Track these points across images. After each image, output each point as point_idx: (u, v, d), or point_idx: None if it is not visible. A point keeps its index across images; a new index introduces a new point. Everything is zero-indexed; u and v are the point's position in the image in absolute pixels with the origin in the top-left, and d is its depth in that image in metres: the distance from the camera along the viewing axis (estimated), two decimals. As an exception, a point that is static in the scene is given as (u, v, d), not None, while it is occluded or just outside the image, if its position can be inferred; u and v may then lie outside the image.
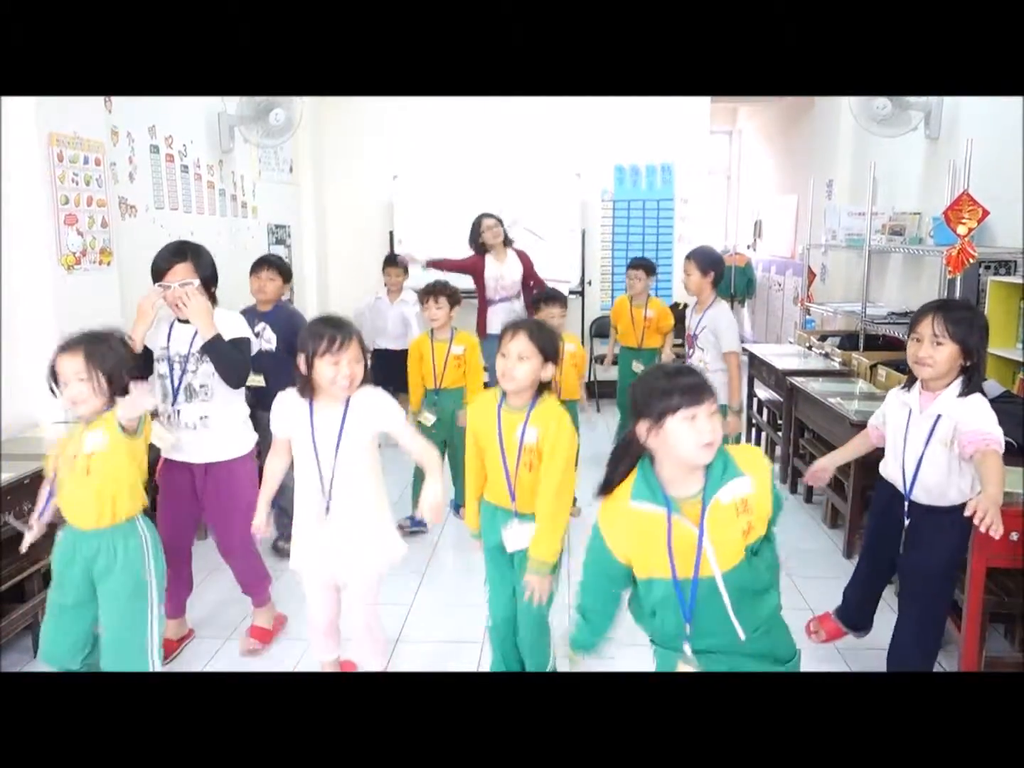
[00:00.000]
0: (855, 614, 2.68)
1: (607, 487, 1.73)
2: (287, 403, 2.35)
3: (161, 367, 2.68)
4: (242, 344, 2.70)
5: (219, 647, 2.90)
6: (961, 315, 2.24)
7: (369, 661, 2.58)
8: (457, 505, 4.15)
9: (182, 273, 2.59)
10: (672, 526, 1.62)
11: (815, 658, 2.62)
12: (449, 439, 4.03)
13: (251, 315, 3.75)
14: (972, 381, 2.24)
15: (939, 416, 2.25)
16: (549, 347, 2.29)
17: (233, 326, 2.70)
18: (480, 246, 5.05)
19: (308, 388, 2.29)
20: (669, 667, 1.76)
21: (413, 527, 3.95)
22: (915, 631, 2.38)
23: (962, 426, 2.20)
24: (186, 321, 2.66)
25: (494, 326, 5.07)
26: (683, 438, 1.59)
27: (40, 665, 2.77)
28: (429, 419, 3.96)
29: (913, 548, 2.36)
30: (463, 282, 5.08)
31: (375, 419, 2.34)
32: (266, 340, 3.60)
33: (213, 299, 2.70)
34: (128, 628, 2.25)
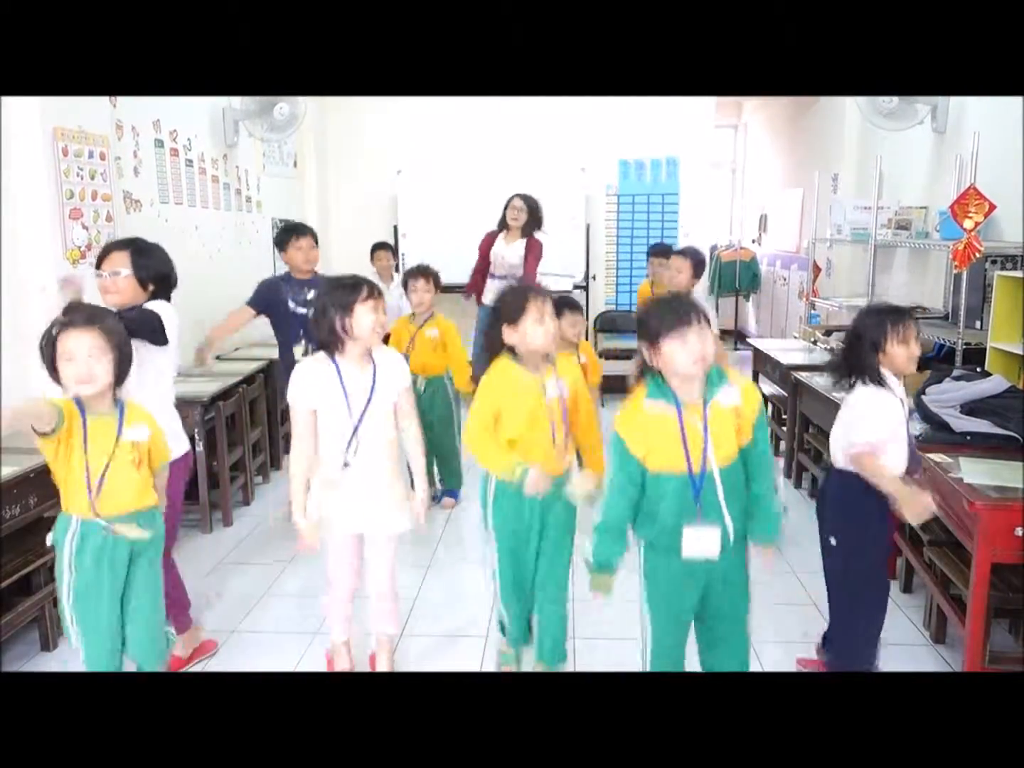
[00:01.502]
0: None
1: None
2: (310, 372, 2.37)
3: None
4: (145, 313, 2.54)
5: (223, 641, 2.91)
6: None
7: (387, 627, 2.63)
8: (450, 493, 4.21)
9: (111, 262, 2.55)
10: (683, 422, 1.93)
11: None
12: (428, 428, 4.06)
13: (296, 283, 3.84)
14: None
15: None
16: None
17: (157, 309, 2.58)
18: (503, 221, 5.12)
19: (339, 346, 2.31)
20: (657, 567, 2.03)
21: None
22: None
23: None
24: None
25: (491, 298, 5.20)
26: (677, 355, 1.88)
27: (45, 659, 2.79)
28: None
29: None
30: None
31: (398, 378, 2.42)
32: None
33: (154, 296, 2.58)
34: (155, 601, 2.23)
